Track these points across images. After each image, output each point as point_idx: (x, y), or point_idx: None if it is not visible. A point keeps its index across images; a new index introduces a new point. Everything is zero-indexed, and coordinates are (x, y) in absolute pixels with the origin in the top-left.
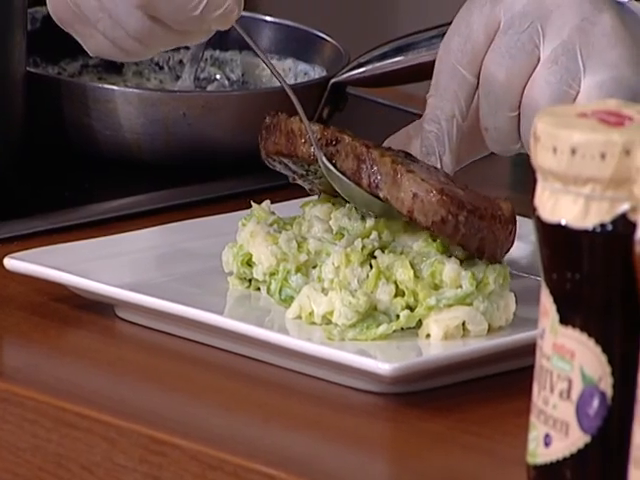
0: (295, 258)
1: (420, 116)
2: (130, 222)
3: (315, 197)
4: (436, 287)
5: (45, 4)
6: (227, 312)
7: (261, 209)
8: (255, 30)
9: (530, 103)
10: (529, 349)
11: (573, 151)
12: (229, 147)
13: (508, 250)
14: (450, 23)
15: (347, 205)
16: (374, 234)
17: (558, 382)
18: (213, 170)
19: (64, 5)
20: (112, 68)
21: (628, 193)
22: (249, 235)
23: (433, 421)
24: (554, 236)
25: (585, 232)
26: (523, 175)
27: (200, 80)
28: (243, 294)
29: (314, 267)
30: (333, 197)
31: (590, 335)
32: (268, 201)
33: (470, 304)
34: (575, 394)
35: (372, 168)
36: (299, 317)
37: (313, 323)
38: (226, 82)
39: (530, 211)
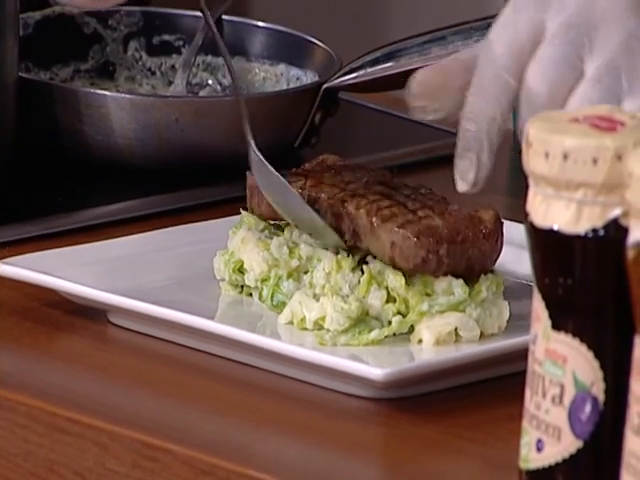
0: (286, 264)
1: (411, 121)
2: (122, 227)
3: None
4: (428, 295)
5: (37, 9)
6: (219, 317)
7: (250, 216)
8: (247, 35)
9: None
10: (521, 354)
11: (565, 156)
12: (221, 152)
13: (498, 257)
14: (443, 28)
15: None
16: None
17: (550, 387)
18: (205, 175)
19: None
20: (104, 73)
21: (620, 198)
22: (240, 242)
23: (425, 426)
24: (546, 241)
25: (577, 237)
26: (522, 181)
27: (192, 85)
28: (235, 299)
29: (305, 273)
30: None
31: (582, 340)
32: None
33: (463, 311)
34: (567, 399)
35: (350, 223)
36: (291, 323)
37: (305, 329)
38: (218, 87)
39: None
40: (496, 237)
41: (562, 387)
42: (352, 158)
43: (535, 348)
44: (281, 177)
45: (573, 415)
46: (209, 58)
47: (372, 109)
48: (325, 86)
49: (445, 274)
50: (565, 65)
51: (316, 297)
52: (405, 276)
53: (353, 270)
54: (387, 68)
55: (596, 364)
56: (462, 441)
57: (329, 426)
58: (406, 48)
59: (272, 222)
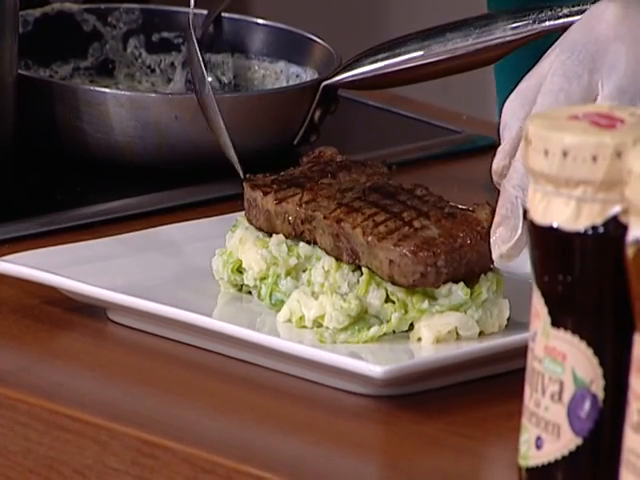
0: (285, 262)
1: (410, 118)
2: (122, 225)
3: None
4: (428, 296)
5: (37, 7)
6: (219, 315)
7: (243, 218)
8: (247, 33)
9: None
10: (521, 351)
11: (564, 153)
12: (221, 150)
13: None
14: (442, 26)
15: None
16: None
17: (550, 384)
18: (205, 173)
19: None
20: (104, 71)
21: (619, 195)
22: (238, 241)
23: (425, 423)
24: (546, 238)
25: (577, 234)
26: None
27: (192, 83)
28: (235, 297)
29: (304, 271)
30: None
31: (582, 337)
32: None
33: (463, 312)
34: (567, 396)
35: (347, 243)
36: (289, 321)
37: (304, 327)
38: (217, 85)
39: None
40: None
41: (561, 384)
42: (351, 155)
43: (534, 345)
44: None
45: (572, 412)
46: (208, 56)
47: (371, 106)
48: (324, 83)
49: (445, 282)
50: None
51: (314, 295)
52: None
53: (353, 269)
54: (386, 65)
55: (595, 361)
56: (461, 438)
57: (329, 423)
58: (405, 45)
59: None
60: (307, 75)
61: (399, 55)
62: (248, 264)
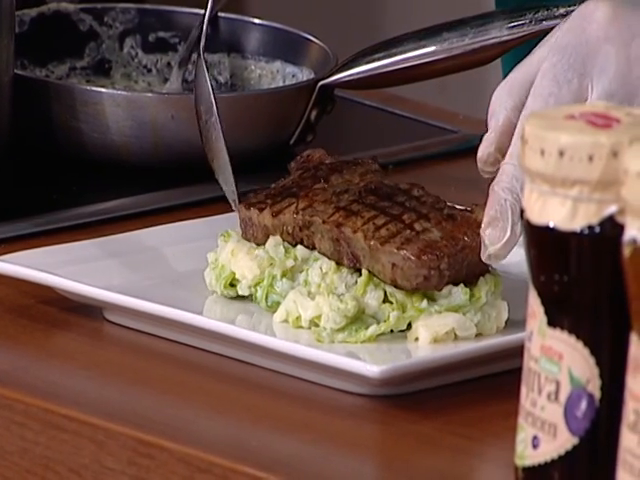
0: (282, 263)
1: (406, 118)
2: (118, 224)
3: None
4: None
5: (33, 7)
6: (215, 314)
7: (237, 232)
8: (243, 32)
9: None
10: (517, 351)
11: (561, 153)
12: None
13: None
14: (438, 25)
15: None
16: None
17: (546, 384)
18: (201, 173)
19: None
20: (100, 71)
21: (616, 195)
22: (230, 254)
23: (421, 423)
24: (542, 238)
25: (573, 234)
26: None
27: (188, 83)
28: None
29: (300, 272)
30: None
31: (578, 337)
32: None
33: (462, 313)
34: (563, 396)
35: (348, 247)
36: (286, 321)
37: (300, 327)
38: (214, 84)
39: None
40: None
41: (558, 384)
42: (348, 155)
43: (531, 345)
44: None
45: (569, 412)
46: (205, 55)
47: (368, 106)
48: (321, 83)
49: (446, 284)
50: None
51: (311, 295)
52: None
53: (351, 271)
54: (383, 65)
55: (592, 361)
56: (458, 438)
57: (325, 423)
58: (402, 45)
59: None
60: (303, 75)
61: (395, 55)
62: (242, 274)
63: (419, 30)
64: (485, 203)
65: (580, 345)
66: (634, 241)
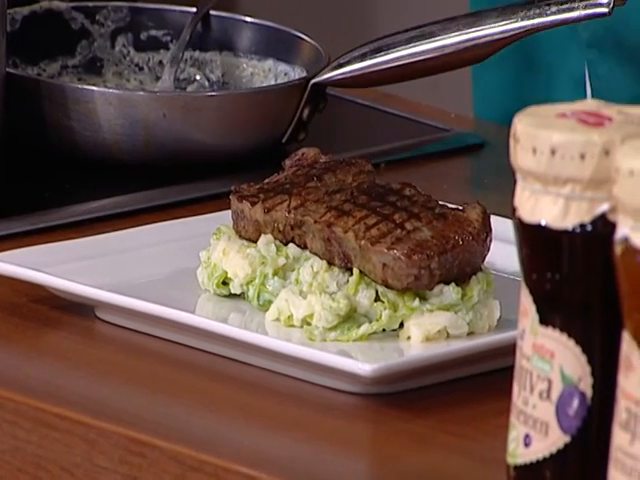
0: (274, 261)
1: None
2: (110, 223)
3: None
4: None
5: (25, 5)
6: (207, 313)
7: (228, 228)
8: (235, 31)
9: None
10: (509, 349)
11: (553, 151)
12: (209, 148)
13: (488, 252)
14: (430, 24)
15: None
16: None
17: (538, 382)
18: (193, 171)
19: None
20: (92, 69)
21: (607, 193)
22: (222, 253)
23: (413, 422)
24: (534, 236)
25: (565, 232)
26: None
27: (180, 81)
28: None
29: (292, 271)
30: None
31: (570, 335)
32: None
33: (454, 312)
34: (555, 394)
35: (339, 247)
36: (277, 320)
37: (292, 326)
38: (206, 83)
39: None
40: (485, 235)
41: (549, 382)
42: (340, 154)
43: (523, 343)
44: None
45: (560, 410)
46: (197, 54)
47: (360, 104)
48: (313, 82)
49: (437, 283)
50: None
51: (302, 294)
52: None
53: (342, 270)
54: (375, 64)
55: (584, 359)
56: (450, 436)
57: (317, 422)
58: (394, 44)
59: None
60: (295, 73)
61: (387, 53)
62: (233, 273)
63: (411, 28)
64: (477, 202)
65: (572, 343)
66: (626, 239)
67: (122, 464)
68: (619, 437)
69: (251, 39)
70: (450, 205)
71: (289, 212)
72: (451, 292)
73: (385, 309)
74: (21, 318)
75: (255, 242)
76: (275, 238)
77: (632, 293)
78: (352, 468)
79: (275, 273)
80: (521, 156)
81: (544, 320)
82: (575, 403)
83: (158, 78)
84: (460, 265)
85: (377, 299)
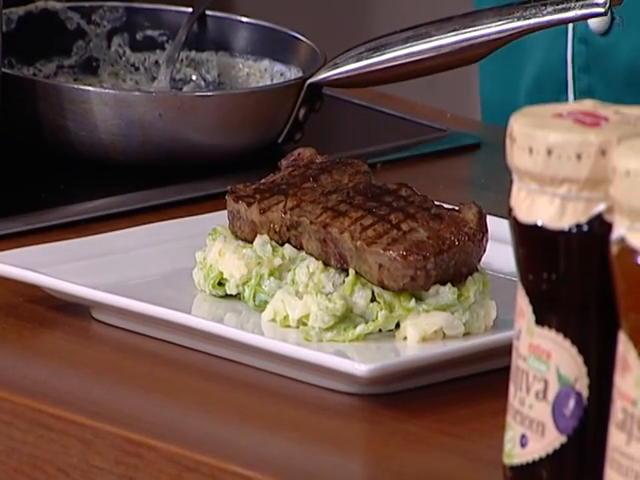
0: (270, 262)
1: (394, 116)
2: (106, 223)
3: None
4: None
5: (20, 5)
6: (203, 313)
7: (224, 228)
8: (231, 31)
9: None
10: (506, 350)
11: (549, 152)
12: (205, 148)
13: (484, 252)
14: (426, 24)
15: None
16: None
17: (534, 383)
18: (189, 171)
19: None
20: (88, 69)
21: (604, 193)
22: (218, 254)
23: (410, 422)
24: (530, 237)
25: (561, 232)
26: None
27: (176, 81)
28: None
29: (288, 271)
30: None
31: (566, 336)
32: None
33: (450, 312)
34: (551, 395)
35: (335, 248)
36: (274, 320)
37: (288, 326)
38: (202, 83)
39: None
40: (481, 235)
41: (546, 382)
42: (336, 154)
43: (519, 343)
44: None
45: (557, 410)
46: (193, 54)
47: (356, 104)
48: (309, 82)
49: (434, 284)
50: None
51: (298, 295)
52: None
53: (338, 271)
54: (371, 64)
55: (580, 359)
56: (446, 437)
57: (313, 422)
58: (390, 44)
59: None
60: (291, 73)
61: (384, 53)
62: (229, 273)
63: (407, 28)
64: (473, 202)
65: (568, 343)
66: (622, 239)
67: (118, 464)
68: (615, 437)
69: (247, 39)
70: (446, 205)
71: (285, 213)
72: (447, 292)
73: (381, 309)
74: (17, 318)
75: (251, 243)
76: (271, 239)
77: (628, 293)
78: (348, 468)
79: (271, 274)
80: (517, 156)
81: (540, 320)
82: (571, 403)
83: (154, 78)
84: (456, 265)
85: (373, 299)
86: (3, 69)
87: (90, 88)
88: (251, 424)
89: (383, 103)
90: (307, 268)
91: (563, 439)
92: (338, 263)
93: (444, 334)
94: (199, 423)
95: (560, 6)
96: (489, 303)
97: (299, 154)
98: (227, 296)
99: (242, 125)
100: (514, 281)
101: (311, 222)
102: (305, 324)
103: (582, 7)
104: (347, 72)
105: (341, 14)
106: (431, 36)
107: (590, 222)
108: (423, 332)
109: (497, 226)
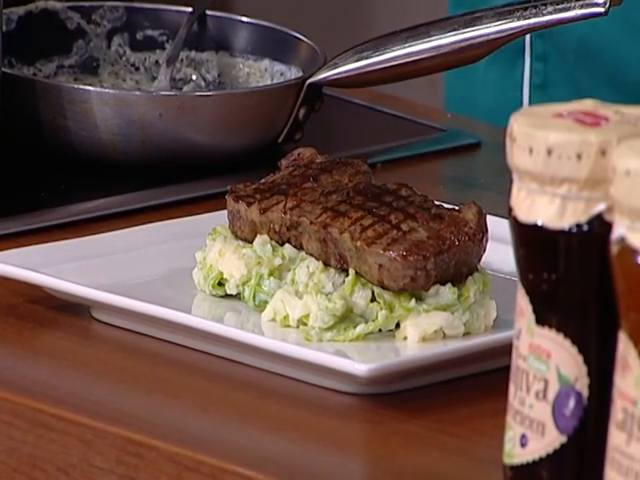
0: (270, 261)
1: (394, 116)
2: (106, 223)
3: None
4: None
5: (21, 5)
6: (203, 313)
7: (224, 228)
8: (231, 31)
9: None
10: (506, 350)
11: (549, 151)
12: (205, 148)
13: (484, 252)
14: (426, 24)
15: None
16: None
17: (534, 382)
18: (189, 171)
19: None
20: (88, 69)
21: (604, 193)
22: (218, 254)
23: (410, 422)
24: (530, 236)
25: (561, 232)
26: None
27: (176, 81)
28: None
29: (288, 271)
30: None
31: (566, 335)
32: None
33: (450, 312)
34: (551, 394)
35: (335, 248)
36: (273, 320)
37: (288, 326)
38: (202, 83)
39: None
40: (481, 235)
41: (546, 382)
42: (336, 153)
43: (519, 343)
44: None
45: (557, 410)
46: (193, 54)
47: (356, 104)
48: (309, 81)
49: (434, 284)
50: None
51: (298, 295)
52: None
53: (339, 271)
54: (371, 63)
55: (580, 359)
56: (446, 436)
57: (314, 422)
58: (390, 43)
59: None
60: (291, 73)
61: (384, 53)
62: (229, 274)
63: (407, 28)
64: (473, 202)
65: (568, 343)
66: (622, 239)
67: (118, 464)
68: (615, 437)
69: (247, 39)
70: (446, 205)
71: (285, 213)
72: (447, 292)
73: (381, 309)
74: (17, 318)
75: (251, 242)
76: (271, 239)
77: (628, 293)
78: (348, 468)
79: (271, 273)
80: (517, 156)
81: (540, 320)
82: (571, 403)
83: (154, 78)
84: (456, 265)
85: (373, 299)
86: (3, 69)
87: (90, 88)
88: (251, 424)
89: (383, 103)
90: (307, 268)
91: (563, 439)
92: (338, 263)
93: (444, 334)
94: (199, 423)
95: (560, 6)
96: (489, 303)
97: (299, 154)
98: (227, 296)
99: (242, 125)
100: (514, 281)
101: (311, 222)
102: (305, 324)
103: (582, 7)
104: (347, 72)
105: (341, 14)
106: (431, 36)
107: (590, 222)
108: (423, 332)
109: (497, 226)
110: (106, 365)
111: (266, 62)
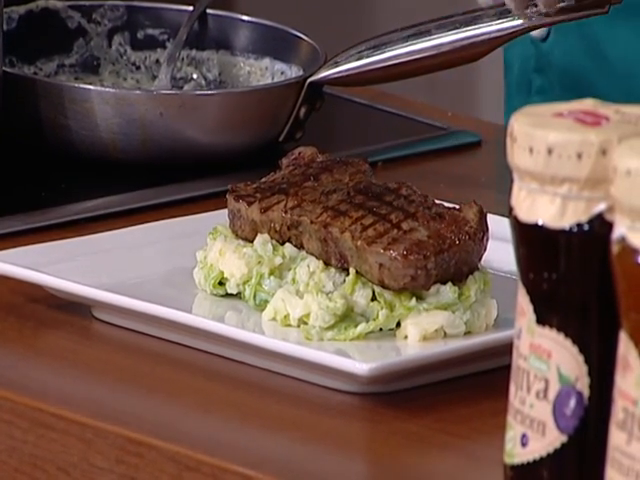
0: (270, 261)
1: (395, 115)
2: (107, 222)
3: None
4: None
5: (21, 4)
6: (204, 312)
7: (224, 227)
8: (232, 29)
9: None
10: (506, 349)
11: (549, 151)
12: (206, 147)
13: (485, 251)
14: (427, 22)
15: None
16: None
17: (535, 382)
18: (190, 170)
19: None
20: (88, 68)
21: (605, 193)
22: (218, 254)
23: (410, 421)
24: (531, 236)
25: (562, 232)
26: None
27: (177, 80)
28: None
29: (288, 270)
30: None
31: (567, 335)
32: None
33: (451, 311)
34: (552, 394)
35: (336, 247)
36: (274, 319)
37: (288, 325)
38: (203, 82)
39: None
40: (481, 234)
41: (547, 382)
42: (337, 152)
43: (520, 343)
44: None
45: (558, 410)
46: (194, 52)
47: (357, 103)
48: (310, 80)
49: (435, 283)
50: None
51: (299, 294)
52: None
53: (339, 270)
54: (372, 62)
55: (581, 359)
56: (447, 436)
57: (314, 421)
58: (390, 42)
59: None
60: (292, 72)
61: (384, 52)
62: (230, 273)
63: (408, 27)
64: (474, 201)
65: (569, 343)
66: (623, 239)
67: (119, 464)
68: (616, 437)
69: (248, 38)
70: (447, 204)
71: (285, 212)
72: (448, 291)
73: (382, 308)
74: (18, 317)
75: (251, 242)
76: (272, 238)
77: (629, 293)
78: (349, 467)
79: (271, 273)
80: (518, 155)
81: (541, 320)
82: (572, 403)
83: (155, 77)
84: (457, 264)
85: (374, 298)
86: (4, 68)
87: (91, 87)
88: (252, 423)
89: (384, 102)
90: (308, 267)
91: (564, 438)
92: (339, 262)
93: (445, 333)
94: (200, 422)
95: (560, 5)
96: (490, 302)
97: (300, 153)
98: (228, 295)
99: (243, 124)
100: (515, 280)
101: (312, 221)
102: (306, 323)
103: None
104: (348, 71)
105: (342, 13)
106: (432, 34)
107: (591, 222)
108: (424, 331)
109: (498, 225)
110: (107, 364)
111: (267, 61)
